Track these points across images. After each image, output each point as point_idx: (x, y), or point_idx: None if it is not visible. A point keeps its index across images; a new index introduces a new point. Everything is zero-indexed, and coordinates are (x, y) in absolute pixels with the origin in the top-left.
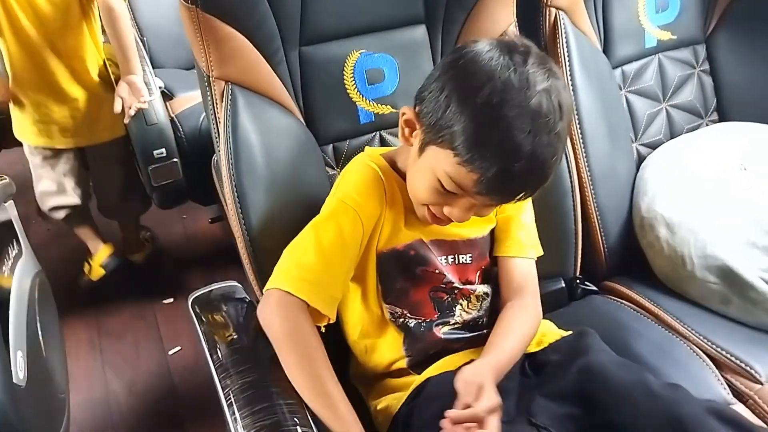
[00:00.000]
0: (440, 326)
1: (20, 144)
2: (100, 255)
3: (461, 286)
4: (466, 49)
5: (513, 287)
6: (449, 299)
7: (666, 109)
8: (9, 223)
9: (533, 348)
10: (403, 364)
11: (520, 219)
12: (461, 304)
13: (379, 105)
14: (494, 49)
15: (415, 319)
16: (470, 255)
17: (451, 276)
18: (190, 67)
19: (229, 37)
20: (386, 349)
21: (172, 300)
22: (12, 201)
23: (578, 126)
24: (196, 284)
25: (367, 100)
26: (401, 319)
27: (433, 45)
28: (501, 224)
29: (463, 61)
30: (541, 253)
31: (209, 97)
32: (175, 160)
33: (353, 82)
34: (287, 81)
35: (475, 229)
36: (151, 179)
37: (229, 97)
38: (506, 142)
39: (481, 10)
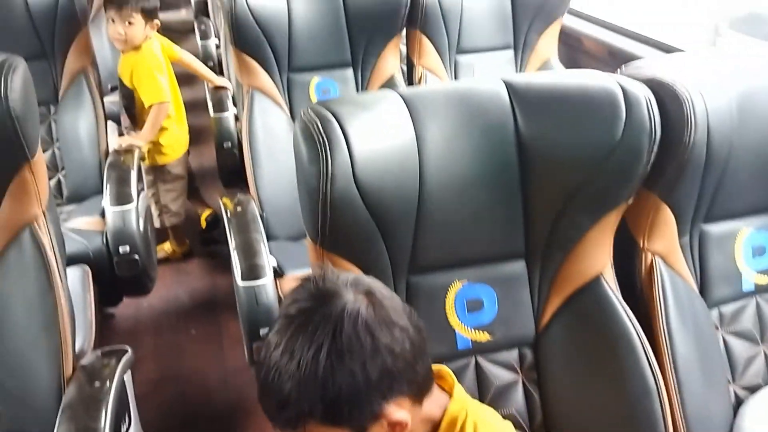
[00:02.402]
0: None
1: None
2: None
3: None
4: None
5: None
6: None
7: (765, 352)
8: (125, 397)
9: None
10: None
11: None
12: None
13: (477, 332)
14: None
15: None
16: None
17: None
18: (300, 237)
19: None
20: None
21: None
22: (130, 371)
23: (673, 371)
24: None
25: (466, 327)
26: None
27: (531, 280)
28: None
29: None
30: None
31: None
32: None
33: (454, 310)
34: None
35: None
36: (254, 354)
37: None
38: None
39: (579, 252)
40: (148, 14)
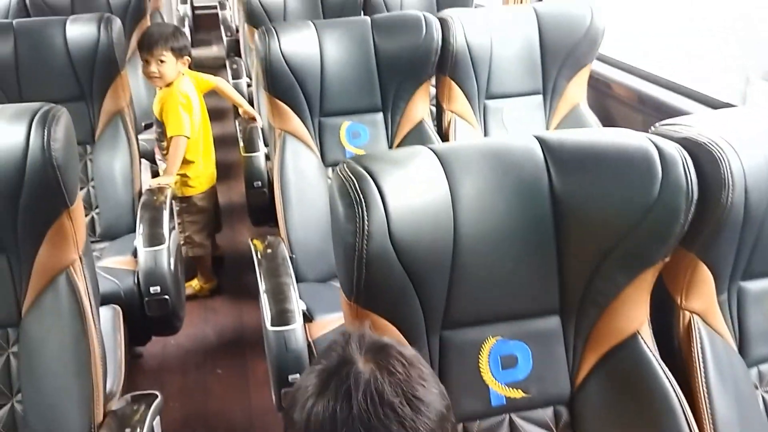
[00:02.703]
0: None
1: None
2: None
3: None
4: None
5: None
6: None
7: None
8: None
9: None
10: None
11: None
12: None
13: (512, 389)
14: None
15: None
16: None
17: None
18: (328, 279)
19: (381, 327)
20: None
21: None
22: (159, 416)
23: (712, 431)
24: None
25: (500, 384)
26: None
27: (566, 336)
28: None
29: None
30: None
31: None
32: None
33: (488, 366)
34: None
35: None
36: (282, 401)
37: None
38: None
39: (615, 309)
40: (178, 52)
